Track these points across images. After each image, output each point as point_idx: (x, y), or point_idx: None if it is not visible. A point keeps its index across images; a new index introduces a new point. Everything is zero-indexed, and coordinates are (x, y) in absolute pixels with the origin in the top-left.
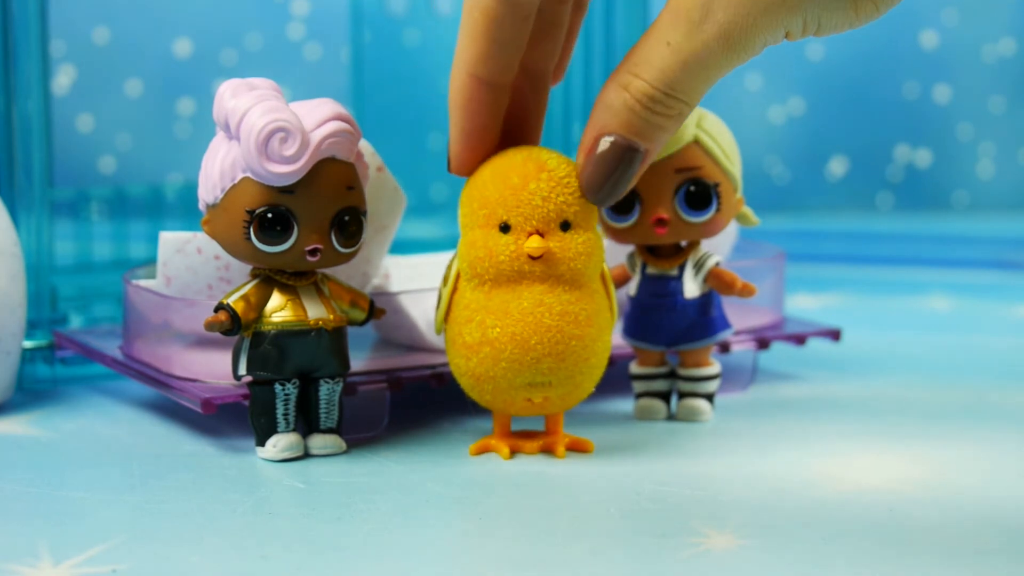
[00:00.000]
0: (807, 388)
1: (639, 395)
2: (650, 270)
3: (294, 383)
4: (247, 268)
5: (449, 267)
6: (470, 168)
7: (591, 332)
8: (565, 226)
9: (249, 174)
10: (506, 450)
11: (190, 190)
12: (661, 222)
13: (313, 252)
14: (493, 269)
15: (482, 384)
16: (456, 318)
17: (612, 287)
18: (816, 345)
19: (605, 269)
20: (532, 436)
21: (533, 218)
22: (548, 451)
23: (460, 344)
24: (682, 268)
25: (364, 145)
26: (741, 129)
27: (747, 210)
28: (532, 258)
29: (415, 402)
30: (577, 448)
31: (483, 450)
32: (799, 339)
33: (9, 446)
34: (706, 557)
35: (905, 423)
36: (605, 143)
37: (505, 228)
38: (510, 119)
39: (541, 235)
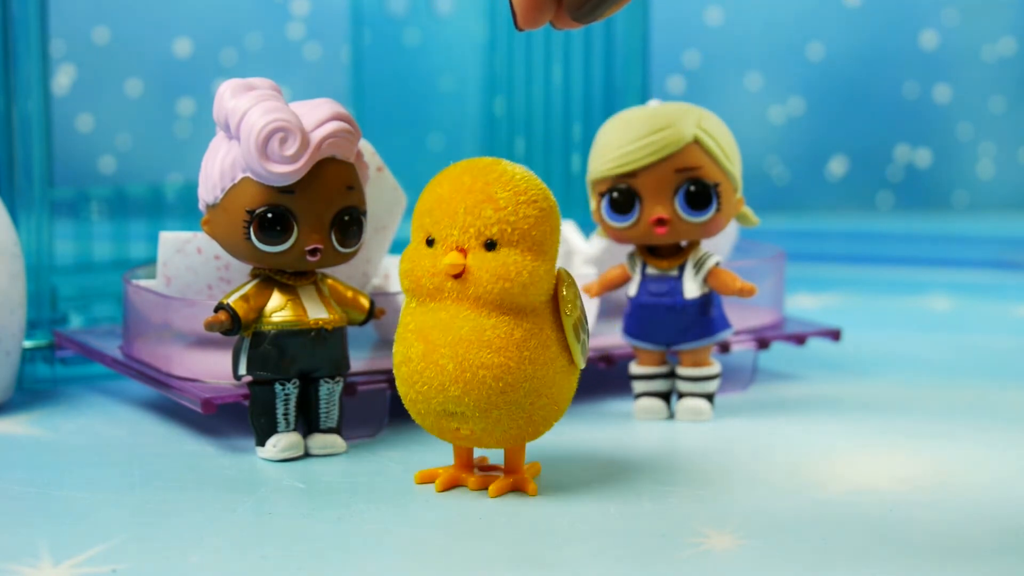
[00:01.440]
0: (807, 388)
1: (639, 395)
2: (650, 270)
3: (294, 383)
4: (247, 268)
5: None
6: (536, 19)
7: (509, 364)
8: (490, 245)
9: (249, 174)
10: (439, 482)
11: (190, 190)
12: (661, 222)
13: (313, 252)
14: (414, 284)
15: (408, 406)
16: (396, 334)
17: (572, 322)
18: (816, 345)
19: (565, 299)
20: (494, 469)
21: (453, 232)
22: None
23: (393, 362)
24: (682, 268)
25: (364, 145)
26: (741, 129)
27: (747, 210)
28: (452, 276)
29: None
30: (518, 489)
31: (427, 479)
32: (799, 339)
33: (9, 446)
34: (706, 557)
35: (905, 423)
36: None
37: (430, 241)
38: None
39: (463, 252)
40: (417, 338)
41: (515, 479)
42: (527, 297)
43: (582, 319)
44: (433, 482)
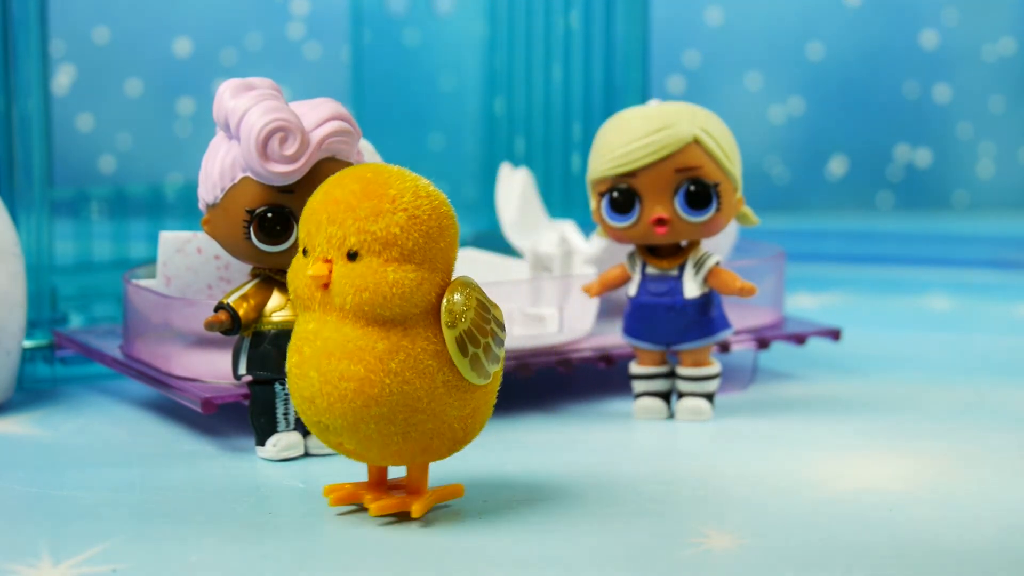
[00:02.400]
0: (807, 388)
1: (639, 395)
2: (650, 270)
3: None
4: (247, 268)
5: None
6: None
7: (371, 377)
8: (352, 256)
9: (249, 174)
10: (333, 497)
11: (190, 190)
12: (661, 222)
13: None
14: (293, 294)
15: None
16: None
17: (455, 335)
18: (816, 345)
19: (451, 310)
20: (400, 488)
21: (320, 242)
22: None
23: None
24: (682, 268)
25: (364, 145)
26: (741, 129)
27: (747, 210)
28: (320, 286)
29: None
30: (403, 509)
31: (332, 491)
32: (799, 339)
33: (9, 446)
34: (706, 557)
35: (905, 423)
36: None
37: (305, 250)
38: None
39: (329, 262)
40: (295, 349)
41: (400, 499)
42: (390, 309)
43: (476, 332)
44: (332, 493)
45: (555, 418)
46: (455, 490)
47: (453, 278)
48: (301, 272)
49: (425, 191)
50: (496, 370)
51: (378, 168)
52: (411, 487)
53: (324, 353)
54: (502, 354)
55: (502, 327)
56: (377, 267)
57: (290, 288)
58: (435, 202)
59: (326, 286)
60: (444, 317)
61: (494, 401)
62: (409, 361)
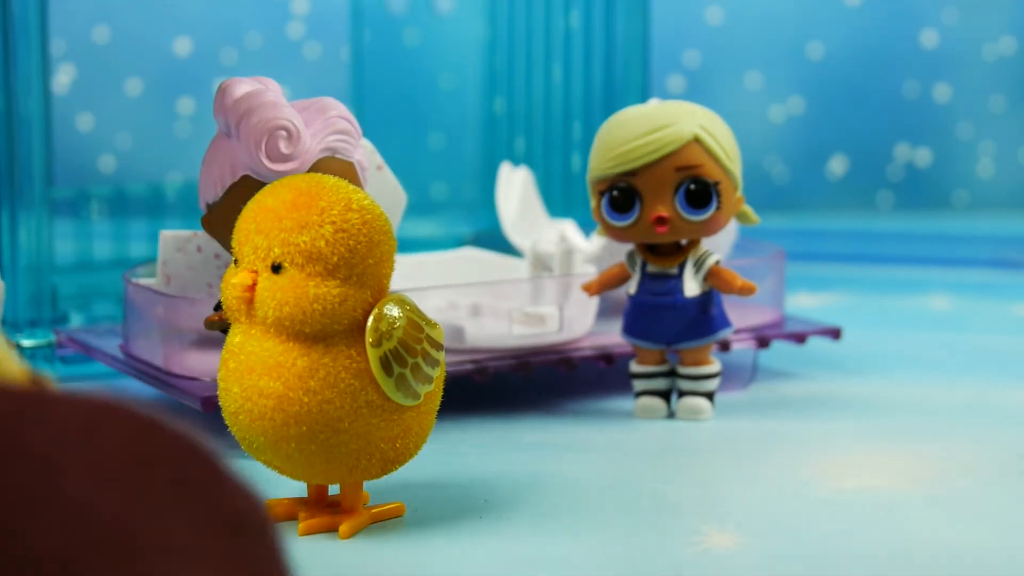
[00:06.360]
0: (807, 387)
1: (639, 394)
2: (650, 268)
3: None
4: None
5: None
6: None
7: (289, 395)
8: (276, 268)
9: (249, 172)
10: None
11: (190, 189)
12: (661, 220)
13: None
14: (224, 305)
15: None
16: None
17: (379, 354)
18: (816, 344)
19: (375, 328)
20: (337, 507)
21: (247, 252)
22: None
23: None
24: (682, 266)
25: (364, 144)
26: (741, 128)
27: (747, 209)
28: (245, 298)
29: None
30: (330, 529)
31: (270, 507)
32: (799, 338)
33: None
34: (706, 556)
35: (905, 423)
36: None
37: (236, 260)
38: None
39: (255, 273)
40: (222, 362)
41: (330, 519)
42: (311, 325)
43: (403, 351)
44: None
45: (555, 418)
46: (394, 509)
47: (389, 294)
48: (227, 280)
49: (358, 204)
50: (429, 390)
51: (313, 179)
52: (344, 506)
53: (246, 368)
54: (437, 373)
55: (438, 346)
56: (300, 281)
57: (221, 297)
58: (367, 216)
59: (251, 298)
60: (368, 335)
61: (431, 422)
62: (329, 379)
